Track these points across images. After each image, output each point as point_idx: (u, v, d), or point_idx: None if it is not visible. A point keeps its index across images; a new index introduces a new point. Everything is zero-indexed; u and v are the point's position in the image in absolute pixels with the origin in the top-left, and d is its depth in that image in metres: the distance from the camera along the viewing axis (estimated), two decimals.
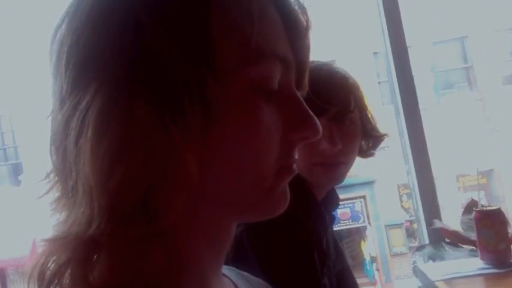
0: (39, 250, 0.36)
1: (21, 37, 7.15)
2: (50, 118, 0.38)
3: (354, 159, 0.96)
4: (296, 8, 0.41)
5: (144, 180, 0.33)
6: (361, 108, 0.94)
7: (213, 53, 0.35)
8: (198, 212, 0.38)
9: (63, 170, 0.36)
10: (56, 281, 0.34)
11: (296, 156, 0.41)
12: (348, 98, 0.90)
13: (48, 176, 0.38)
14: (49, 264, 0.35)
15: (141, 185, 0.33)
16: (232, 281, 0.49)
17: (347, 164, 0.93)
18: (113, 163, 0.33)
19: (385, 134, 1.01)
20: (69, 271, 0.34)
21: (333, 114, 0.87)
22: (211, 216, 0.39)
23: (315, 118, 0.40)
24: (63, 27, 0.37)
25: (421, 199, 1.92)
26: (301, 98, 0.41)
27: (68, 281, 0.34)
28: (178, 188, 0.34)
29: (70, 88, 0.35)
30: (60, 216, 0.36)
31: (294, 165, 0.42)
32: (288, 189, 0.42)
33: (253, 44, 0.36)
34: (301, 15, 0.41)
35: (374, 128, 0.99)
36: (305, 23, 0.41)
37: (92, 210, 0.33)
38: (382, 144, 1.04)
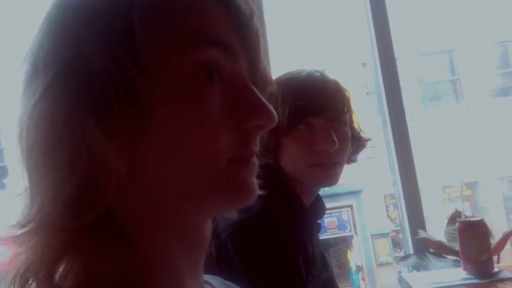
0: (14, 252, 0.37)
1: (6, 37, 7.09)
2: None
3: (346, 160, 0.98)
4: None
5: (74, 179, 0.35)
6: (351, 113, 0.98)
7: (137, 49, 0.35)
8: (158, 211, 0.39)
9: (21, 164, 0.38)
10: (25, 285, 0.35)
11: (255, 148, 0.41)
12: (342, 101, 0.94)
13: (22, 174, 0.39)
14: (20, 269, 0.36)
15: (70, 184, 0.34)
16: (214, 286, 0.49)
17: (342, 164, 0.96)
18: (44, 161, 0.35)
19: (369, 139, 1.04)
20: (36, 275, 0.35)
21: (330, 115, 0.91)
22: (174, 213, 0.39)
23: (268, 104, 0.40)
24: (36, 36, 0.39)
25: (406, 209, 1.94)
26: (252, 86, 0.40)
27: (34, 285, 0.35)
28: (104, 185, 0.35)
29: (24, 87, 0.38)
30: (24, 206, 0.38)
31: (254, 157, 0.41)
32: (253, 182, 0.40)
33: (178, 34, 0.36)
34: (243, 4, 0.41)
35: (359, 133, 1.02)
36: (248, 11, 0.41)
37: (38, 203, 0.36)
38: (365, 151, 1.07)
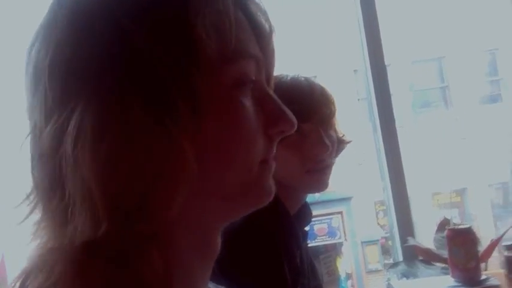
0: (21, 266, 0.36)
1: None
2: (31, 136, 0.38)
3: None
4: (259, 13, 0.44)
5: (145, 179, 0.34)
6: (335, 116, 0.99)
7: (196, 50, 0.37)
8: (188, 212, 0.38)
9: (50, 187, 0.36)
10: None
11: (275, 150, 0.44)
12: (329, 104, 0.95)
13: (28, 197, 0.38)
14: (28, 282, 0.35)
15: (141, 184, 0.34)
16: None
17: (331, 167, 0.96)
18: (114, 165, 0.34)
19: (350, 141, 1.05)
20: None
21: (319, 119, 0.92)
22: (200, 216, 0.40)
23: (290, 112, 0.43)
24: (37, 43, 0.38)
25: (396, 216, 1.94)
26: (275, 95, 0.44)
27: None
28: (180, 183, 0.35)
29: (58, 100, 0.35)
30: (41, 240, 0.36)
31: (273, 161, 0.44)
32: (272, 183, 0.44)
33: (231, 44, 0.38)
34: (264, 21, 0.44)
35: (342, 136, 1.03)
36: (268, 27, 0.44)
37: (96, 214, 0.33)
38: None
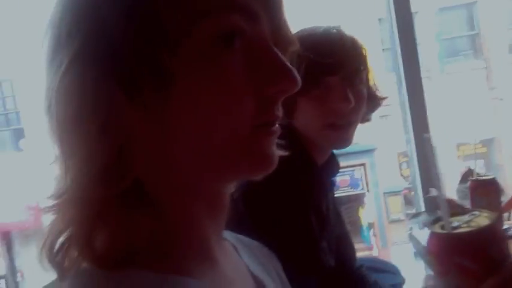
0: (44, 215, 0.38)
1: (22, 2, 7.01)
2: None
3: (360, 120, 0.97)
4: None
5: (104, 150, 0.35)
6: (368, 70, 0.96)
7: (159, 19, 0.35)
8: (184, 179, 0.40)
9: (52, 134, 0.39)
10: (63, 251, 0.37)
11: (278, 113, 0.40)
12: (359, 59, 0.92)
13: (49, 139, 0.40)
14: (55, 236, 0.37)
15: (101, 154, 0.35)
16: (232, 244, 0.51)
17: (356, 124, 0.94)
18: (75, 132, 0.36)
19: (385, 98, 1.02)
20: (75, 240, 0.37)
21: (346, 74, 0.89)
22: (199, 180, 0.40)
23: (291, 67, 0.39)
24: (55, 8, 0.39)
25: (419, 168, 1.94)
26: (276, 50, 0.39)
27: (73, 249, 0.37)
28: (133, 155, 0.36)
29: (48, 59, 0.38)
30: (57, 176, 0.38)
31: (276, 124, 0.40)
32: (273, 151, 0.40)
33: (199, 2, 0.36)
34: None
35: (375, 91, 1.00)
36: None
37: (71, 174, 0.36)
38: (380, 110, 1.05)
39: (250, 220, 0.81)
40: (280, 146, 0.42)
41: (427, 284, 0.48)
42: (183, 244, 0.40)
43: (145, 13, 0.35)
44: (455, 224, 0.42)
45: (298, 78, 0.39)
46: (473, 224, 0.41)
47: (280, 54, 0.39)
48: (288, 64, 0.39)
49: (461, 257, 0.39)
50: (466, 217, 0.43)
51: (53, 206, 0.37)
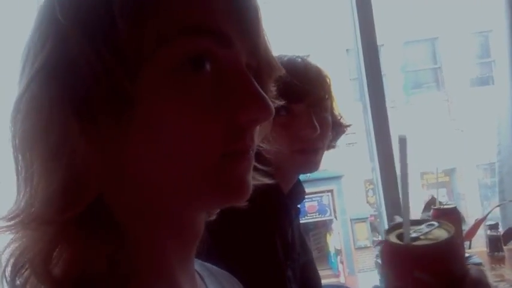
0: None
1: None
2: None
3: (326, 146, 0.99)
4: None
5: (58, 173, 0.34)
6: (332, 99, 0.98)
7: (119, 42, 0.34)
8: (147, 205, 0.38)
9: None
10: (20, 274, 0.35)
11: (251, 142, 0.38)
12: (324, 87, 0.94)
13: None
14: (14, 260, 0.36)
15: (56, 178, 0.34)
16: (198, 273, 0.49)
17: (323, 150, 0.96)
18: (31, 151, 0.35)
19: (349, 125, 1.05)
20: (30, 264, 0.35)
21: (311, 101, 0.91)
22: (163, 208, 0.39)
23: (266, 97, 0.37)
24: (32, 24, 0.38)
25: (384, 195, 1.97)
26: (248, 74, 0.37)
27: (30, 274, 0.35)
28: (86, 182, 0.34)
29: (19, 73, 0.37)
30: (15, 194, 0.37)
31: (250, 153, 0.38)
32: (247, 179, 0.38)
33: (162, 25, 0.34)
34: None
35: (340, 119, 1.03)
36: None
37: (25, 194, 0.35)
38: (347, 137, 1.08)
39: (216, 248, 0.80)
40: (264, 173, 0.40)
41: None
42: (144, 271, 0.38)
43: (106, 34, 0.34)
44: (414, 235, 0.40)
45: (272, 106, 0.37)
46: (431, 236, 0.39)
47: (252, 79, 0.37)
48: (261, 91, 0.37)
49: (421, 272, 0.37)
50: (424, 228, 0.41)
51: (9, 226, 0.35)
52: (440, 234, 0.40)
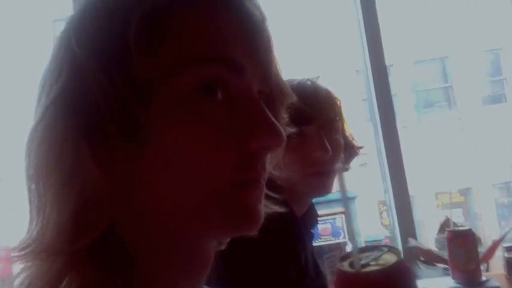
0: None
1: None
2: None
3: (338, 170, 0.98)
4: (247, 4, 0.39)
5: (70, 203, 0.34)
6: (343, 120, 0.97)
7: (133, 71, 0.34)
8: (157, 233, 0.38)
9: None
10: None
11: (263, 171, 0.38)
12: (334, 109, 0.94)
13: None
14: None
15: (67, 208, 0.34)
16: None
17: (334, 174, 0.95)
18: (43, 181, 0.35)
19: (361, 147, 1.04)
20: None
21: (321, 123, 0.91)
22: (173, 236, 0.38)
23: (277, 123, 0.37)
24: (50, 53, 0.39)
25: (397, 217, 1.94)
26: (259, 101, 0.37)
27: None
28: (97, 211, 0.34)
29: (36, 102, 0.38)
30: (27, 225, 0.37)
31: (261, 181, 0.38)
32: (258, 207, 0.38)
33: (175, 54, 0.35)
34: (254, 10, 0.39)
35: (352, 140, 1.02)
36: (260, 17, 0.39)
37: (37, 224, 0.35)
38: (357, 159, 1.07)
39: (227, 274, 0.79)
40: (276, 201, 0.41)
41: None
42: None
43: (120, 63, 0.34)
44: (364, 261, 0.40)
45: (283, 133, 0.37)
46: (381, 261, 0.40)
47: (263, 107, 0.37)
48: (272, 118, 0.37)
49: None
50: (375, 253, 0.41)
51: (21, 256, 0.35)
52: (389, 258, 0.40)
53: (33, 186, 0.36)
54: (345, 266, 0.41)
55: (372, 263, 0.40)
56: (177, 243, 0.39)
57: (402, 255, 0.40)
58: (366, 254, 0.42)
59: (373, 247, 0.43)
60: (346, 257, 0.42)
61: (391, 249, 0.42)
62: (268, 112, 0.37)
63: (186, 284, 0.40)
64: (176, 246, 0.39)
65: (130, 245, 0.37)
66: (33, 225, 0.35)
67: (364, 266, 0.40)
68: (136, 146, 0.35)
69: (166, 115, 0.35)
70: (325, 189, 0.94)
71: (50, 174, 0.35)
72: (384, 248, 0.42)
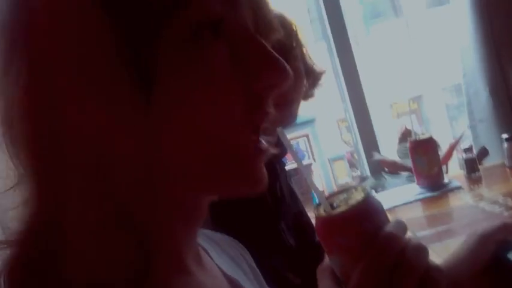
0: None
1: None
2: None
3: (301, 98, 0.96)
4: None
5: (84, 159, 0.31)
6: (301, 46, 0.94)
7: (133, 13, 0.30)
8: (171, 193, 0.35)
9: None
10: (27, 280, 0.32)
11: (270, 110, 0.36)
12: (290, 35, 0.90)
13: None
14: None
15: (83, 164, 0.31)
16: (203, 248, 0.48)
17: (298, 101, 0.93)
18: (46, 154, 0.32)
19: (323, 71, 1.02)
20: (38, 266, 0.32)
21: (278, 52, 0.86)
22: (186, 196, 0.36)
23: (281, 60, 0.34)
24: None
25: (359, 133, 1.99)
26: (260, 38, 0.34)
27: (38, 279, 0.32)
28: (120, 171, 0.32)
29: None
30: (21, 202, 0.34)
31: (264, 124, 0.36)
32: (264, 171, 0.37)
33: None
34: None
35: (313, 66, 0.99)
36: None
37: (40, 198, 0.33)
38: (321, 82, 1.05)
39: (210, 215, 0.79)
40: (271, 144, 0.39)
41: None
42: (162, 266, 0.36)
43: (120, 6, 0.30)
44: (336, 204, 0.42)
45: (288, 68, 0.34)
46: (350, 201, 0.41)
47: (265, 44, 0.34)
48: (275, 54, 0.34)
49: (339, 237, 0.40)
50: (344, 195, 0.43)
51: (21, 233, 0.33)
52: (357, 196, 0.41)
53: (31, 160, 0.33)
54: (321, 211, 0.42)
55: (341, 204, 0.41)
56: (183, 203, 0.37)
57: (369, 191, 0.41)
58: (338, 196, 0.43)
59: (342, 190, 0.44)
60: (319, 204, 0.43)
61: (358, 188, 0.43)
62: (271, 49, 0.34)
63: (185, 241, 0.40)
64: (181, 206, 0.37)
65: (142, 215, 0.35)
66: (34, 200, 0.33)
67: (334, 208, 0.41)
68: (143, 95, 0.30)
69: (173, 59, 0.31)
70: (288, 120, 0.93)
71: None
72: (352, 189, 0.43)
